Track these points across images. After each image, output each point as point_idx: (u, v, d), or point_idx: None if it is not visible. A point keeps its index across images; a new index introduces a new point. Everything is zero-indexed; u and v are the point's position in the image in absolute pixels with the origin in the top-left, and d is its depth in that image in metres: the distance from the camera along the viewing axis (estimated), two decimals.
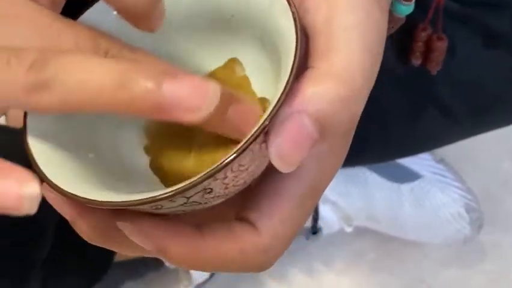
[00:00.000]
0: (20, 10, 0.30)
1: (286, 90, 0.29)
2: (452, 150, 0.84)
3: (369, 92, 0.33)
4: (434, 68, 0.56)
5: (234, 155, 0.28)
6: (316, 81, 0.30)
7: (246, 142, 0.28)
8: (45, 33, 0.30)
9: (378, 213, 0.91)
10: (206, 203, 0.31)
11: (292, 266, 0.97)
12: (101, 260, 0.81)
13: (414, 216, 0.90)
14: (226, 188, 0.30)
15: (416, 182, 0.89)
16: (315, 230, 0.92)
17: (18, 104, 0.28)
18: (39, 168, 0.30)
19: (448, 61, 0.62)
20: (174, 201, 0.29)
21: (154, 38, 0.35)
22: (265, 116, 0.29)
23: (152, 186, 0.35)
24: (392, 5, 0.46)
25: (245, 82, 0.36)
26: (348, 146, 0.35)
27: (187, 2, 0.36)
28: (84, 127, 0.34)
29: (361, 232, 0.97)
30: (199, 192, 0.29)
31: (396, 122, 0.73)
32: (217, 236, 0.32)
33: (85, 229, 0.33)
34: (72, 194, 0.30)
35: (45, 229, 0.64)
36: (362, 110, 0.32)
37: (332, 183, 0.35)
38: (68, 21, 0.30)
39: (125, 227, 0.32)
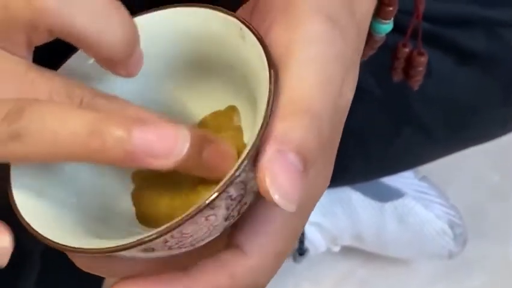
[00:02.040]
0: None
1: (260, 134, 0.30)
2: (438, 164, 0.85)
3: (338, 118, 0.34)
4: (416, 84, 0.57)
5: (207, 201, 0.29)
6: (283, 118, 0.30)
7: (219, 189, 0.29)
8: (20, 83, 0.30)
9: (363, 232, 0.92)
10: (180, 247, 0.31)
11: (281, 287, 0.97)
12: (94, 279, 0.80)
13: (399, 234, 0.91)
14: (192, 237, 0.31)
15: (400, 200, 0.90)
16: (301, 252, 0.93)
17: None
18: (22, 217, 0.31)
19: (424, 80, 0.63)
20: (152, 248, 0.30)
21: (141, 85, 0.35)
22: (241, 159, 0.29)
23: (134, 227, 0.35)
24: (371, 26, 0.47)
25: (238, 133, 0.36)
26: (332, 164, 0.36)
27: (170, 47, 0.36)
28: (68, 172, 0.34)
29: (348, 251, 0.97)
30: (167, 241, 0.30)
31: (375, 141, 0.74)
32: (203, 269, 0.32)
33: (81, 262, 0.33)
34: (54, 242, 0.30)
35: (30, 254, 0.64)
36: (333, 131, 0.33)
37: (316, 205, 0.36)
38: (42, 71, 0.31)
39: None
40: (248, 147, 0.30)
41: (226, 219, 0.31)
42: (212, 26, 0.34)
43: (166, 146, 0.27)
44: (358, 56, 0.38)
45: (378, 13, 0.47)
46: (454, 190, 0.97)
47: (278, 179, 0.29)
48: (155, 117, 0.32)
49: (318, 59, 0.32)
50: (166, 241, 0.30)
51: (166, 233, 0.29)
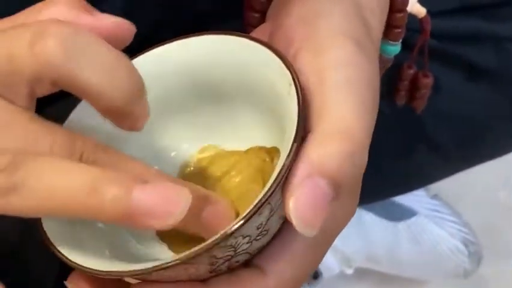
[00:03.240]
0: None
1: (297, 136, 0.29)
2: (448, 184, 0.84)
3: (369, 143, 0.34)
4: (420, 106, 0.57)
5: (240, 222, 0.28)
6: (319, 144, 0.30)
7: (249, 212, 0.29)
8: (21, 135, 0.29)
9: (377, 253, 0.91)
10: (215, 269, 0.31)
11: None
12: None
13: (413, 254, 0.90)
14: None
15: (413, 219, 0.90)
16: (315, 275, 0.92)
17: None
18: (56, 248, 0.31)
19: (433, 97, 0.63)
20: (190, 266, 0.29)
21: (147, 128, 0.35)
22: (268, 186, 0.29)
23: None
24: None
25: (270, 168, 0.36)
26: (358, 194, 0.35)
27: (172, 86, 0.36)
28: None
29: (362, 274, 0.97)
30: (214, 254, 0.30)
31: (387, 161, 0.73)
32: (223, 283, 0.32)
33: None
34: (84, 266, 0.30)
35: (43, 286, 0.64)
36: (366, 162, 0.32)
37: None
38: (44, 123, 0.30)
39: None
40: (284, 156, 0.29)
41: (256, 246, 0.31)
42: (241, 54, 0.34)
43: (166, 208, 0.27)
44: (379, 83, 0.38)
45: (387, 35, 0.47)
46: (465, 209, 0.96)
47: (301, 201, 0.29)
48: (157, 174, 0.32)
49: (351, 83, 0.31)
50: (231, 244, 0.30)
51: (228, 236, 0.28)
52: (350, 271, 0.95)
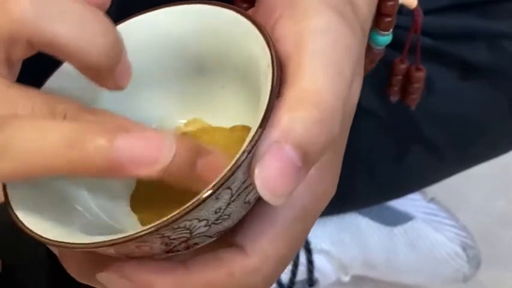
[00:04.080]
0: None
1: (264, 122, 0.29)
2: (443, 191, 0.84)
3: (348, 115, 0.33)
4: (414, 102, 0.56)
5: (210, 191, 0.28)
6: (289, 109, 0.29)
7: (225, 175, 0.28)
8: (2, 101, 0.29)
9: (373, 258, 0.90)
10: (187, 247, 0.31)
11: None
12: None
13: (411, 259, 0.89)
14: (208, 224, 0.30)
15: (409, 224, 0.89)
16: (311, 283, 0.91)
17: None
18: (18, 218, 0.30)
19: (427, 97, 0.62)
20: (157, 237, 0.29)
21: (122, 98, 0.34)
22: (243, 149, 0.28)
23: None
24: (369, 37, 0.46)
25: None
26: (339, 168, 0.35)
27: (156, 50, 0.36)
28: (66, 194, 0.34)
29: (358, 281, 0.96)
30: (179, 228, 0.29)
31: (381, 164, 0.73)
32: (202, 264, 0.31)
33: (71, 268, 0.33)
34: (49, 239, 0.30)
35: None
36: (338, 132, 0.32)
37: (324, 232, 0.35)
38: (24, 88, 0.30)
39: (104, 279, 0.31)
40: (249, 138, 0.29)
41: (216, 220, 0.30)
42: (218, 24, 0.34)
43: (151, 153, 0.27)
44: (363, 59, 0.37)
45: (377, 24, 0.47)
46: (462, 216, 0.96)
47: (267, 169, 0.28)
48: (140, 126, 0.32)
49: (328, 49, 0.31)
50: (163, 236, 0.29)
51: (165, 226, 0.28)
52: (346, 278, 0.94)
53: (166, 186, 0.30)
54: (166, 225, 0.28)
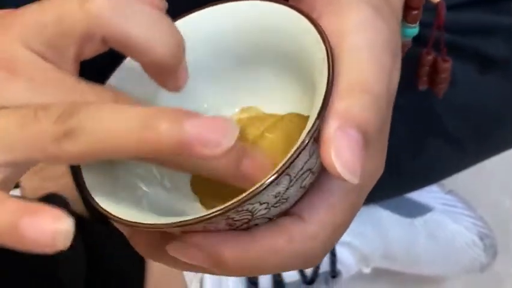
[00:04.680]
0: (47, 74, 0.32)
1: (322, 111, 0.31)
2: (460, 185, 0.84)
3: (390, 100, 0.36)
4: (441, 91, 0.58)
5: (273, 177, 0.30)
6: (344, 97, 0.32)
7: (286, 161, 0.30)
8: (71, 92, 0.31)
9: (394, 250, 0.92)
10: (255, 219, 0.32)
11: None
12: None
13: (430, 249, 0.91)
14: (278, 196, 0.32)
15: (428, 215, 0.90)
16: (334, 274, 0.92)
17: (47, 154, 0.29)
18: (91, 197, 0.33)
19: (447, 91, 0.64)
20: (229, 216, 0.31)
21: (178, 96, 0.36)
22: (304, 134, 0.31)
23: None
24: None
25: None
26: (385, 147, 0.37)
27: (208, 47, 0.38)
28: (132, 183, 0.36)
29: (379, 273, 0.97)
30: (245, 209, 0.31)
31: (401, 155, 0.74)
32: (265, 231, 0.33)
33: (140, 245, 0.35)
34: (122, 219, 0.32)
35: None
36: (388, 115, 0.35)
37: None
38: (90, 83, 0.32)
39: (175, 249, 0.33)
40: (309, 127, 0.31)
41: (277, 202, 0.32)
42: (271, 18, 0.36)
43: (217, 134, 0.28)
44: (399, 52, 0.39)
45: (405, 17, 0.49)
46: (479, 206, 0.97)
47: (342, 152, 0.31)
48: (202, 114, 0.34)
49: (369, 45, 0.34)
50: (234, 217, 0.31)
51: (244, 202, 0.30)
52: (367, 270, 0.95)
53: None
54: (232, 208, 0.30)
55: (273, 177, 0.30)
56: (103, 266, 0.73)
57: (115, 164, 0.35)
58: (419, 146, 0.73)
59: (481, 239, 0.90)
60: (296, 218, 0.34)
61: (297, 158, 0.30)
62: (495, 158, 0.80)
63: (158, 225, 0.31)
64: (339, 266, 0.92)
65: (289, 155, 0.30)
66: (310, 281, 0.89)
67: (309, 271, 0.89)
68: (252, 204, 0.31)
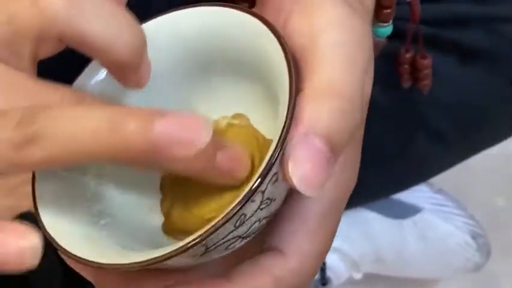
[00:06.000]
0: (1, 77, 0.30)
1: (287, 124, 0.29)
2: (449, 185, 0.83)
3: (364, 104, 0.33)
4: (426, 87, 0.57)
5: (257, 182, 0.28)
6: (311, 102, 0.30)
7: (261, 174, 0.28)
8: (29, 94, 0.29)
9: (384, 253, 0.90)
10: (227, 247, 0.30)
11: None
12: None
13: (421, 251, 0.89)
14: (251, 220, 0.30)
15: (418, 215, 0.89)
16: (324, 281, 0.91)
17: (8, 163, 0.27)
18: (49, 235, 0.30)
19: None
20: (193, 253, 0.29)
21: (144, 97, 0.35)
22: (273, 147, 0.28)
23: (161, 239, 0.34)
24: None
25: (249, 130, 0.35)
26: (359, 157, 0.35)
27: (171, 52, 0.36)
28: (92, 189, 0.34)
29: (371, 279, 0.95)
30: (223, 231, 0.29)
31: (387, 155, 0.73)
32: (244, 274, 0.31)
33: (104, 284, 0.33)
34: (84, 259, 0.29)
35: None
36: (360, 120, 0.32)
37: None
38: (51, 83, 0.30)
39: None
40: (276, 140, 0.29)
41: (259, 220, 0.30)
42: (228, 26, 0.34)
43: (189, 133, 0.26)
44: (372, 50, 0.37)
45: (377, 16, 0.48)
46: (469, 205, 0.96)
47: (301, 164, 0.28)
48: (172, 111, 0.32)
49: (342, 43, 0.32)
50: (207, 246, 0.29)
51: (253, 192, 0.28)
52: (358, 276, 0.93)
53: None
54: (209, 235, 0.28)
55: (224, 219, 0.28)
56: (80, 279, 0.71)
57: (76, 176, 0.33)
58: (403, 144, 0.72)
59: (474, 238, 0.89)
60: (276, 254, 0.32)
61: (246, 204, 0.28)
62: (484, 156, 0.78)
63: (122, 265, 0.29)
64: (328, 273, 0.91)
65: (260, 169, 0.28)
66: None
67: None
68: (211, 239, 0.28)
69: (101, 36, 0.29)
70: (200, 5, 0.34)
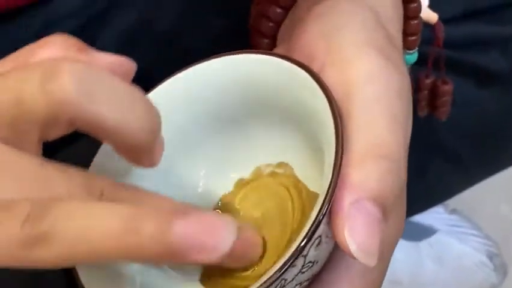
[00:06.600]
0: (3, 161, 0.27)
1: (333, 185, 0.28)
2: (459, 202, 0.82)
3: (406, 155, 0.32)
4: (444, 114, 0.55)
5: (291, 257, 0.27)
6: (357, 166, 0.29)
7: (298, 246, 0.27)
8: (35, 181, 0.27)
9: (400, 275, 0.89)
10: None
11: None
12: None
13: (438, 272, 0.88)
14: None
15: (433, 237, 0.88)
16: None
17: (12, 259, 0.25)
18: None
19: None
20: None
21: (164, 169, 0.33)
22: (316, 211, 0.28)
23: None
24: None
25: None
26: (404, 211, 0.35)
27: (208, 100, 0.35)
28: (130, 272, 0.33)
29: None
30: None
31: (407, 177, 0.72)
32: None
33: None
34: None
35: None
36: (405, 176, 0.31)
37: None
38: (56, 166, 0.28)
39: None
40: (320, 202, 0.28)
41: (300, 283, 0.29)
42: (274, 75, 0.32)
43: (212, 238, 0.25)
44: (411, 97, 0.36)
45: (403, 44, 0.46)
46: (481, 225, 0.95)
47: (357, 231, 0.28)
48: (189, 208, 0.30)
49: (381, 98, 0.31)
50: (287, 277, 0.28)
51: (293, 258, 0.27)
52: None
53: None
54: None
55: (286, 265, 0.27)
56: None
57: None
58: (421, 168, 0.71)
59: (490, 258, 0.88)
60: None
61: (287, 269, 0.27)
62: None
63: None
64: None
65: (301, 237, 0.27)
66: None
67: None
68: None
69: (114, 121, 0.27)
70: (237, 53, 0.33)
